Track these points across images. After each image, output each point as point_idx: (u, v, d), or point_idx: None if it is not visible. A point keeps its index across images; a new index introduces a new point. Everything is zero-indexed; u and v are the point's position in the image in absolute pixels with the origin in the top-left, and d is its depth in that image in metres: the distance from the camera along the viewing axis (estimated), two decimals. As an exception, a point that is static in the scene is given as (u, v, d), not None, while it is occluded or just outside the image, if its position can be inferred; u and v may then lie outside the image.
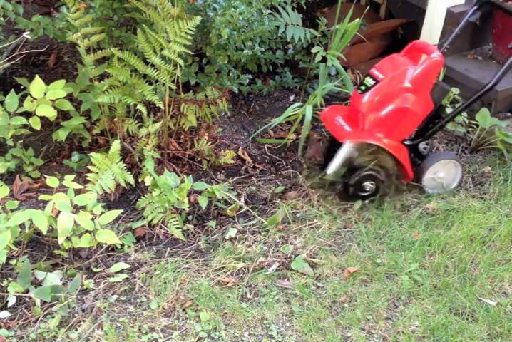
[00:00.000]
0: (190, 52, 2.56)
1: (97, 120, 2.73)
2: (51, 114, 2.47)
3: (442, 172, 2.70)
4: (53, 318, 2.06)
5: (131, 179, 2.45)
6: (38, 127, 2.49)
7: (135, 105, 2.51)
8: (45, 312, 2.08)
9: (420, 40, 2.64)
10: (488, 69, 3.27)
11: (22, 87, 2.71)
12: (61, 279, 2.19)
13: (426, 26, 3.39)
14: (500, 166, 2.95)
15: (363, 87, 2.52)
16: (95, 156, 2.40)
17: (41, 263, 2.23)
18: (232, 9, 2.59)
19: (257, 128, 3.08)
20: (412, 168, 2.63)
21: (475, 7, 2.79)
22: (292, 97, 3.35)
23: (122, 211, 2.38)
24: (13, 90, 2.53)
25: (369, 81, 2.50)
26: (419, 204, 2.71)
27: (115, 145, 2.42)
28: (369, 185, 2.58)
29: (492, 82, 2.55)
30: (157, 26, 2.47)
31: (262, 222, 2.55)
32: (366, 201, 2.64)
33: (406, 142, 2.63)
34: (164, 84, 2.56)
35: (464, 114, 3.11)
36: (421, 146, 2.79)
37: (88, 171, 2.42)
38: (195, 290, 2.20)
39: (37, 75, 2.47)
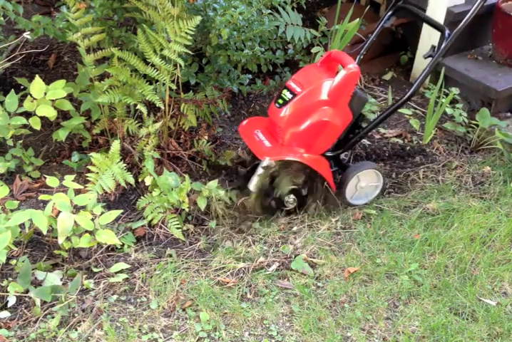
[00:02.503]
0: (190, 52, 2.56)
1: (97, 120, 2.73)
2: (51, 114, 2.47)
3: (364, 181, 2.64)
4: (53, 318, 2.06)
5: (131, 179, 2.44)
6: (38, 127, 2.49)
7: (135, 105, 2.51)
8: (46, 312, 2.08)
9: (336, 49, 2.49)
10: (488, 69, 3.27)
11: (22, 87, 2.71)
12: (61, 279, 2.19)
13: (426, 26, 3.39)
14: (500, 166, 2.95)
15: (280, 101, 2.42)
16: (95, 156, 2.40)
17: (41, 263, 2.23)
18: (232, 9, 2.59)
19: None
20: (335, 179, 2.57)
21: (389, 12, 2.67)
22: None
23: (122, 211, 2.38)
24: (13, 90, 2.52)
25: (287, 94, 2.41)
26: (419, 204, 2.71)
27: (115, 145, 2.42)
28: (291, 199, 2.53)
29: (409, 93, 2.49)
30: (158, 26, 2.47)
31: (262, 222, 2.55)
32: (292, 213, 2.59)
33: (328, 154, 2.56)
34: (164, 84, 2.56)
35: (464, 114, 3.12)
36: (342, 154, 2.71)
37: (88, 171, 2.42)
38: (195, 290, 2.20)
39: (37, 75, 2.47)
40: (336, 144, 2.57)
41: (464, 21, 2.42)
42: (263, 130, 2.51)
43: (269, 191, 2.48)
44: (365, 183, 2.64)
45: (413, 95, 2.51)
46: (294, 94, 2.39)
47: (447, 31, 2.43)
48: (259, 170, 2.41)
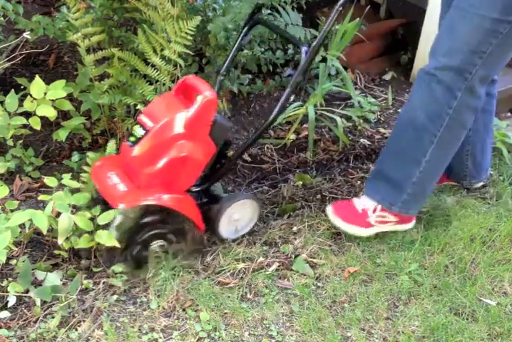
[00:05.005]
0: (190, 52, 2.56)
1: (97, 120, 2.73)
2: (51, 114, 2.47)
3: (238, 213, 2.39)
4: (53, 318, 2.06)
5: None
6: (38, 127, 2.49)
7: (135, 105, 2.51)
8: (46, 312, 2.08)
9: (191, 75, 2.22)
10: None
11: (22, 87, 2.71)
12: (61, 279, 2.19)
13: (426, 26, 3.39)
14: (500, 166, 2.96)
15: (132, 139, 2.15)
16: (91, 156, 2.39)
17: (41, 263, 2.23)
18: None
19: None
20: (206, 214, 2.33)
21: (245, 29, 2.42)
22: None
23: (122, 211, 2.37)
24: (13, 90, 2.52)
25: (138, 131, 2.14)
26: (419, 204, 2.71)
27: (111, 146, 2.41)
28: (157, 245, 2.22)
29: (272, 116, 2.26)
30: (157, 26, 2.47)
31: (261, 222, 2.55)
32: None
33: (194, 189, 2.31)
34: (164, 84, 2.56)
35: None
36: (215, 185, 2.50)
37: (84, 171, 2.40)
38: (195, 290, 2.20)
39: (37, 75, 2.47)
40: (202, 176, 2.34)
41: (320, 36, 2.22)
42: (118, 172, 2.20)
43: (131, 239, 2.17)
44: (239, 215, 2.42)
45: (276, 118, 2.29)
46: (145, 130, 2.12)
47: (304, 48, 2.22)
48: (117, 219, 2.11)
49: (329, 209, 2.50)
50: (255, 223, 2.50)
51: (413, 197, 2.42)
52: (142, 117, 2.16)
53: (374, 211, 2.46)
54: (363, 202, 2.50)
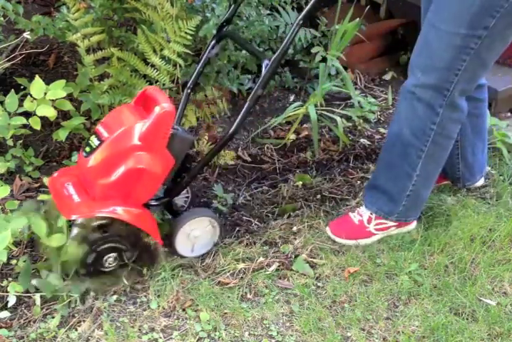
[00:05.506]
0: (190, 52, 2.56)
1: (97, 120, 2.73)
2: (51, 114, 2.47)
3: (197, 230, 2.31)
4: (53, 318, 2.06)
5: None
6: (38, 127, 2.49)
7: (135, 105, 2.51)
8: (46, 312, 2.08)
9: (152, 86, 2.17)
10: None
11: (22, 87, 2.71)
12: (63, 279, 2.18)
13: (426, 25, 3.39)
14: (500, 166, 2.96)
15: (88, 149, 2.09)
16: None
17: (41, 263, 2.23)
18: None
19: (257, 128, 3.08)
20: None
21: (213, 42, 2.38)
22: (292, 97, 3.35)
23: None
24: (13, 90, 2.52)
25: (94, 141, 2.08)
26: (419, 204, 2.71)
27: None
28: (111, 259, 2.15)
29: (232, 130, 2.18)
30: (157, 26, 2.48)
31: (261, 222, 2.55)
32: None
33: (153, 203, 2.23)
34: (164, 84, 2.56)
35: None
36: (181, 199, 2.47)
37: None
38: (195, 290, 2.20)
39: (37, 75, 2.47)
40: (164, 191, 2.30)
41: (281, 48, 2.14)
42: (75, 183, 2.15)
43: (87, 251, 2.10)
44: (199, 232, 2.32)
45: (236, 132, 2.21)
46: (101, 140, 2.07)
47: (266, 61, 2.13)
48: (74, 230, 2.09)
49: (328, 230, 2.51)
50: (217, 238, 2.41)
51: (409, 207, 2.44)
52: (99, 128, 2.11)
53: (369, 221, 2.47)
54: (359, 214, 2.52)
